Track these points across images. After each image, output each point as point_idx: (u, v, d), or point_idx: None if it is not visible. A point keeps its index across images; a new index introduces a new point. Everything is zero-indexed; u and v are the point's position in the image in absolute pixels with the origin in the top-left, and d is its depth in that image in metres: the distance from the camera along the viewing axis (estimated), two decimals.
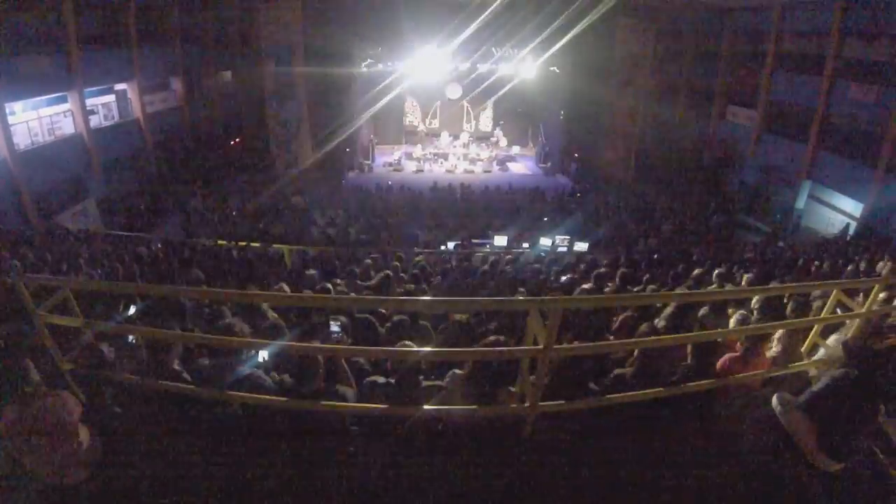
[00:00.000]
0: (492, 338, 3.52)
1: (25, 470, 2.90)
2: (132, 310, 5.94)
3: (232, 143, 27.63)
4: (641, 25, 24.84)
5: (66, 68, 18.58)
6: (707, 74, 26.34)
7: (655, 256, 11.16)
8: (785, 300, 5.73)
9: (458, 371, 3.55)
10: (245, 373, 3.46)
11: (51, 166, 18.00)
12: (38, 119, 18.40)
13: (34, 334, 3.53)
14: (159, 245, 12.25)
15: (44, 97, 18.47)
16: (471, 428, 3.16)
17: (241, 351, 3.69)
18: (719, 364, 3.82)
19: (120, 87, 22.25)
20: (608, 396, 3.29)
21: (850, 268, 8.92)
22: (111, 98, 22.01)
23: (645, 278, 7.82)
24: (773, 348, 4.16)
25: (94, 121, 20.60)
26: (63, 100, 19.20)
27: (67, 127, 19.44)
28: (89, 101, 20.16)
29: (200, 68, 26.87)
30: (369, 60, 25.09)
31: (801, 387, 3.29)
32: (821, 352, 4.07)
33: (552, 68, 25.55)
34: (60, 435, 2.91)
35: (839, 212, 18.79)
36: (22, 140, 17.39)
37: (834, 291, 3.86)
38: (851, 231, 17.73)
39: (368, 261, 8.97)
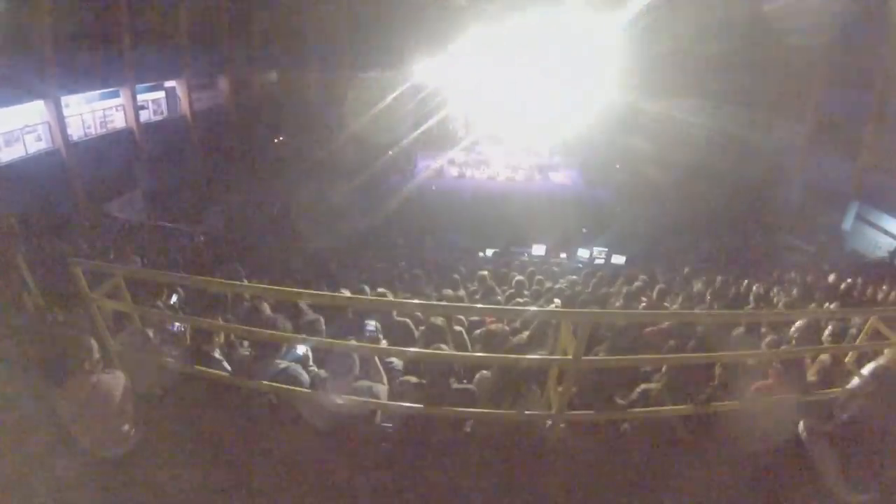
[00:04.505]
0: (515, 338, 3.57)
1: (74, 439, 3.12)
2: (174, 298, 6.21)
3: (275, 141, 28.19)
4: (685, 34, 24.40)
5: (119, 65, 19.34)
6: (754, 86, 25.67)
7: (691, 273, 11.00)
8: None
9: (485, 372, 3.61)
10: (283, 366, 3.60)
11: (101, 157, 18.70)
12: (92, 112, 19.17)
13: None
14: (202, 238, 12.63)
15: (97, 92, 19.22)
16: (496, 430, 3.23)
17: (282, 345, 3.82)
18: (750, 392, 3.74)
19: (169, 84, 23.03)
20: (634, 410, 3.31)
21: (892, 295, 8.63)
22: (161, 94, 22.79)
23: (680, 295, 7.74)
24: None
25: (144, 115, 21.34)
26: (115, 95, 19.99)
27: (119, 121, 20.22)
28: (141, 97, 20.94)
29: (247, 68, 27.51)
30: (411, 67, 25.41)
31: (829, 415, 3.25)
32: (854, 380, 3.98)
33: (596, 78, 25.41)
34: (111, 410, 3.12)
35: (888, 234, 18.10)
36: (75, 131, 18.17)
37: (870, 319, 3.78)
38: None
39: (403, 263, 9.09)
